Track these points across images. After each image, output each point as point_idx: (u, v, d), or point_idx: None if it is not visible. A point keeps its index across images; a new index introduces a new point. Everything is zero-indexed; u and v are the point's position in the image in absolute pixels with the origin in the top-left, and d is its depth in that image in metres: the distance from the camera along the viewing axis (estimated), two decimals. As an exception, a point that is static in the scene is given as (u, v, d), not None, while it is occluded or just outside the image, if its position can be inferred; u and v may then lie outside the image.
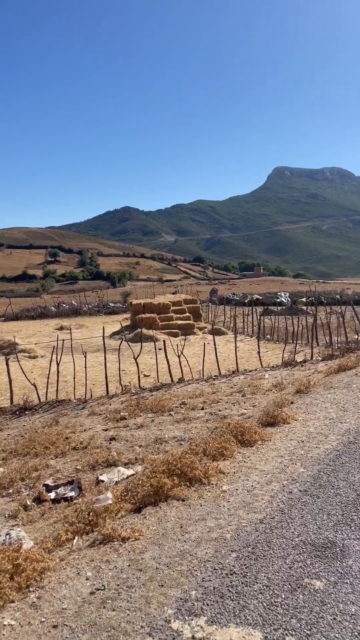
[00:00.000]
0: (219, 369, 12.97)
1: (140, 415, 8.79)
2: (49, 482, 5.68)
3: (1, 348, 21.25)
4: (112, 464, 6.09)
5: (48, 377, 11.68)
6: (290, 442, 5.50)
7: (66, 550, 3.52)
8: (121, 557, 3.31)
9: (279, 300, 41.27)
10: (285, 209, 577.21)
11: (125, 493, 4.46)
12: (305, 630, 2.50)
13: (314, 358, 13.74)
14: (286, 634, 2.48)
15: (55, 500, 5.09)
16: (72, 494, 5.18)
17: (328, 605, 2.69)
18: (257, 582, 2.91)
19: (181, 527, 3.68)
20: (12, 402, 10.58)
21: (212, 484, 4.44)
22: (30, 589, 2.99)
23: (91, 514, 4.03)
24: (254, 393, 9.85)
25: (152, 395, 10.61)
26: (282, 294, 44.31)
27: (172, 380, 12.20)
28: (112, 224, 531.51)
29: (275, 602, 2.73)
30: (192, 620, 2.61)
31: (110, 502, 4.16)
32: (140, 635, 2.51)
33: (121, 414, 8.88)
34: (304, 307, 31.19)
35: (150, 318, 25.70)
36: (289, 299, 41.15)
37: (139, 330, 22.75)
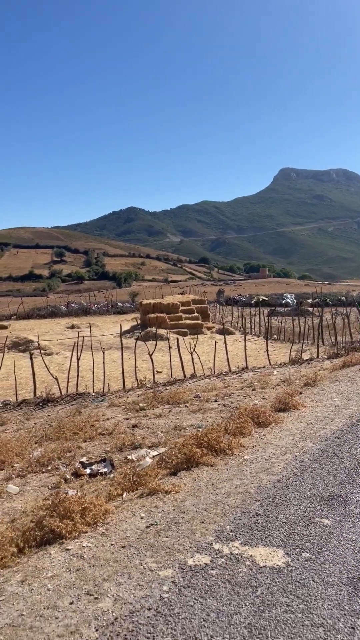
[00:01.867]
0: (229, 365, 13.65)
1: (158, 407, 9.50)
2: (84, 460, 6.46)
3: (17, 345, 22.11)
4: (138, 446, 6.85)
5: (69, 372, 12.43)
6: (300, 424, 6.29)
7: (118, 501, 4.32)
8: (166, 504, 4.11)
9: (284, 301, 42.00)
10: (291, 210, 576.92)
11: (160, 462, 5.25)
12: (316, 549, 3.29)
13: (320, 356, 14.43)
14: (302, 552, 3.27)
15: (91, 475, 5.86)
16: (105, 470, 5.95)
17: (334, 534, 3.47)
18: (277, 520, 3.70)
19: (212, 484, 4.47)
20: (35, 394, 11.35)
21: (235, 454, 5.24)
22: (98, 525, 3.80)
23: (134, 476, 4.83)
24: (264, 387, 10.55)
25: (166, 389, 11.31)
26: (288, 295, 45.08)
27: (184, 376, 12.89)
28: (117, 224, 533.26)
29: (292, 532, 3.52)
30: (229, 543, 3.41)
31: (151, 465, 4.96)
32: (190, 552, 3.31)
33: (140, 405, 9.60)
34: (310, 309, 31.88)
35: (160, 317, 26.39)
36: (294, 300, 41.90)
37: (149, 329, 23.56)
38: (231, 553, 3.27)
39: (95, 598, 2.86)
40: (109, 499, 4.40)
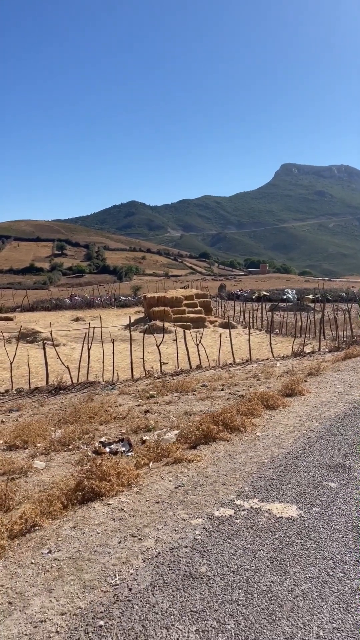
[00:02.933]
0: (233, 357, 14.14)
1: (167, 395, 9.99)
2: (103, 440, 6.98)
3: (25, 336, 22.60)
4: (152, 429, 7.35)
5: (80, 362, 12.90)
6: (306, 407, 6.82)
7: (146, 469, 4.85)
8: (190, 470, 4.65)
9: (285, 296, 42.49)
10: (292, 206, 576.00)
11: (180, 438, 5.78)
12: (325, 505, 3.82)
13: (321, 350, 14.94)
14: (312, 507, 3.80)
15: (111, 453, 6.38)
16: (124, 449, 6.46)
17: (340, 494, 4.01)
18: (290, 483, 4.24)
19: (229, 455, 5.01)
20: (47, 382, 11.85)
21: (248, 431, 5.77)
22: (132, 486, 4.33)
23: (158, 448, 5.36)
24: (268, 378, 11.05)
25: (173, 379, 11.80)
26: (289, 291, 45.59)
27: (190, 367, 13.39)
28: (118, 218, 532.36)
29: (304, 492, 4.05)
30: (248, 500, 3.94)
31: (173, 440, 5.49)
32: (216, 506, 3.84)
33: (150, 393, 10.09)
34: (311, 304, 32.38)
35: (164, 311, 26.85)
36: (295, 296, 42.41)
37: (153, 322, 24.06)
38: (251, 507, 3.81)
39: (139, 539, 3.39)
40: (138, 467, 4.93)
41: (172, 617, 2.56)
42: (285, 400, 7.14)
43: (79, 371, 12.25)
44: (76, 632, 2.48)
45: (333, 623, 2.50)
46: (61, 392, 11.27)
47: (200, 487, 4.24)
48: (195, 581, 2.87)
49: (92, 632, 2.47)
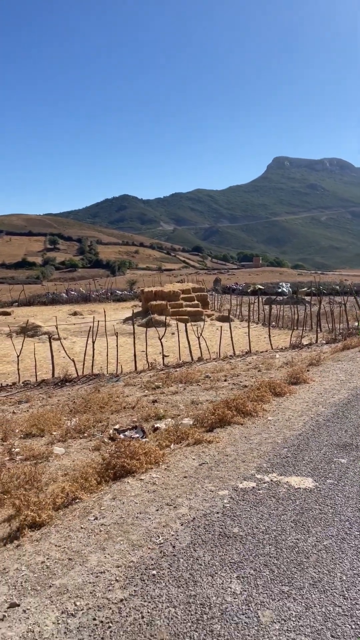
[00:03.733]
0: (233, 349, 14.53)
1: (172, 385, 10.35)
2: (117, 427, 7.35)
3: (26, 330, 22.89)
4: (162, 417, 7.73)
5: (85, 354, 13.20)
6: (311, 394, 7.25)
7: (169, 450, 5.24)
8: (210, 450, 5.05)
9: (280, 290, 43.02)
10: (284, 199, 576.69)
11: (196, 422, 6.18)
12: (337, 477, 4.24)
13: (318, 341, 15.39)
14: (326, 479, 4.22)
15: (125, 440, 6.75)
16: (138, 435, 6.84)
17: (350, 468, 4.44)
18: (303, 460, 4.66)
19: (245, 437, 5.42)
20: (53, 375, 12.18)
21: (260, 416, 6.19)
22: (160, 464, 4.73)
23: (177, 432, 5.76)
24: (268, 369, 11.46)
25: (176, 371, 12.15)
26: (284, 284, 46.14)
27: (192, 359, 13.77)
28: (110, 212, 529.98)
29: (317, 467, 4.48)
30: (267, 474, 4.36)
31: (190, 424, 5.89)
32: (239, 480, 4.25)
33: (155, 384, 10.45)
34: (306, 297, 32.89)
35: (161, 305, 27.19)
36: (290, 289, 42.94)
37: (150, 316, 24.42)
38: (271, 480, 4.22)
39: (174, 507, 3.80)
40: (161, 449, 5.32)
41: (214, 567, 2.97)
42: (291, 388, 7.57)
43: (83, 364, 12.56)
44: (133, 579, 2.87)
45: (353, 570, 2.92)
46: (67, 384, 11.58)
47: (222, 464, 4.65)
48: (229, 540, 3.27)
49: (147, 579, 2.86)
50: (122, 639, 2.39)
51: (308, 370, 9.24)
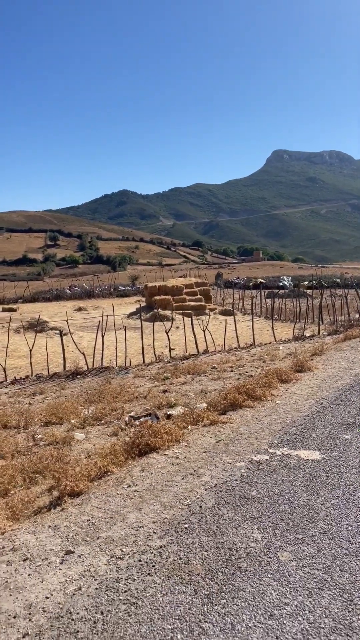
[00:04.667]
0: (238, 342, 14.97)
1: (180, 377, 10.79)
2: (132, 414, 7.81)
3: (33, 325, 23.36)
4: (173, 405, 8.18)
5: (94, 348, 13.61)
6: (315, 380, 7.73)
7: (187, 430, 5.72)
8: (225, 429, 5.54)
9: (281, 284, 43.44)
10: (284, 192, 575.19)
11: (209, 407, 6.67)
12: (342, 451, 4.73)
13: (321, 333, 15.84)
14: (332, 452, 4.71)
15: (145, 423, 7.20)
16: (152, 422, 7.31)
17: (354, 443, 4.92)
18: (311, 437, 5.14)
19: (256, 418, 5.90)
20: (64, 367, 12.62)
21: (269, 400, 6.67)
22: (180, 442, 5.21)
23: (193, 414, 6.24)
24: (273, 360, 11.90)
25: (183, 363, 12.59)
26: (285, 278, 46.57)
27: (198, 351, 14.21)
28: (109, 208, 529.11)
29: (323, 442, 4.96)
30: (278, 449, 4.84)
31: (205, 408, 6.37)
32: (253, 454, 4.74)
33: (164, 375, 10.90)
34: (307, 291, 33.31)
35: (165, 299, 27.63)
36: (291, 283, 43.37)
37: (155, 310, 24.87)
38: (282, 454, 4.71)
39: (197, 476, 4.28)
40: (180, 429, 5.80)
41: (237, 521, 3.45)
42: (297, 375, 8.05)
43: (93, 357, 13.00)
44: (168, 532, 3.36)
45: (357, 522, 3.41)
46: (78, 377, 12.00)
47: (237, 441, 5.13)
48: (249, 500, 3.76)
49: (181, 531, 3.35)
50: (165, 574, 2.88)
51: (312, 359, 9.71)
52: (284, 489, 3.93)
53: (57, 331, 21.75)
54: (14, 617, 2.58)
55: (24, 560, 3.13)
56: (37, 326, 23.13)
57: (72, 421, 7.69)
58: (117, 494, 4.04)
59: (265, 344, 14.73)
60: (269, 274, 67.34)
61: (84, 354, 12.64)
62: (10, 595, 2.77)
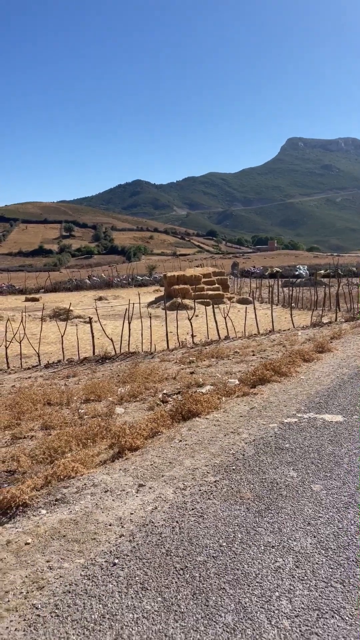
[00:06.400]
0: (258, 328, 15.58)
1: (205, 360, 11.48)
2: (165, 391, 8.56)
3: (58, 314, 24.31)
4: (202, 384, 8.91)
5: (122, 335, 14.30)
6: (335, 360, 8.42)
7: (222, 400, 6.48)
8: (257, 399, 6.29)
9: (297, 272, 43.79)
10: (299, 181, 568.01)
11: (240, 382, 7.41)
12: (361, 415, 5.45)
13: (338, 320, 16.40)
14: (353, 415, 5.42)
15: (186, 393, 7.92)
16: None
17: (371, 409, 5.63)
18: (333, 404, 5.86)
19: (284, 390, 6.63)
20: (94, 352, 13.40)
21: (294, 376, 7.39)
22: (218, 409, 5.97)
23: (226, 388, 7.00)
24: (292, 344, 12.51)
25: (205, 348, 13.28)
26: (301, 267, 46.92)
27: (219, 337, 14.88)
28: (123, 198, 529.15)
29: (345, 408, 5.68)
30: (305, 413, 5.57)
31: (237, 383, 7.12)
32: (283, 417, 5.47)
33: (189, 359, 11.61)
34: (323, 279, 33.68)
35: (184, 289, 28.28)
36: (307, 272, 43.72)
37: (174, 299, 25.58)
38: (309, 417, 5.44)
39: (237, 434, 5.04)
40: (216, 399, 6.56)
41: (275, 464, 4.21)
42: (318, 355, 8.75)
43: (121, 343, 13.75)
44: (219, 472, 4.13)
45: (375, 466, 4.14)
46: (107, 361, 12.75)
47: (268, 408, 5.88)
48: (283, 450, 4.51)
49: (230, 471, 4.12)
50: (222, 498, 3.65)
51: (331, 342, 10.38)
52: (312, 443, 4.67)
53: (81, 319, 22.67)
54: (110, 525, 3.37)
55: (105, 492, 3.93)
56: (62, 315, 24.09)
57: (110, 398, 8.44)
58: (171, 447, 4.82)
59: (284, 331, 15.33)
60: (284, 263, 67.46)
61: (112, 339, 13.39)
62: (102, 512, 3.57)
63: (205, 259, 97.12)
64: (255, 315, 15.97)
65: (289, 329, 15.55)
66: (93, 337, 13.75)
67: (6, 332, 14.43)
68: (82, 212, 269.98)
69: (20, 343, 12.02)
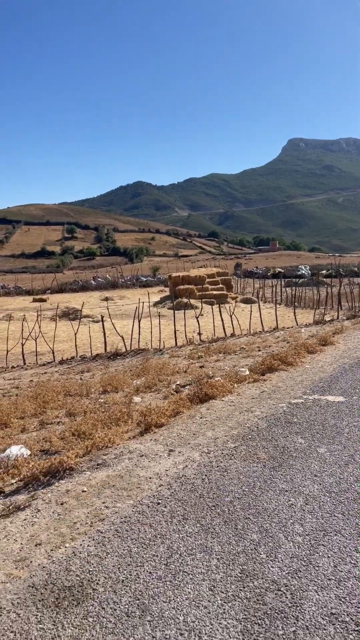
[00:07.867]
0: (262, 326, 16.25)
1: (213, 356, 12.13)
2: (178, 382, 9.22)
3: (67, 314, 25.04)
4: (212, 377, 9.56)
5: (132, 333, 14.94)
6: (337, 352, 9.10)
7: (235, 386, 7.16)
8: (266, 385, 6.97)
9: (299, 273, 44.46)
10: (300, 181, 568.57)
11: (249, 372, 8.09)
12: (360, 396, 6.13)
13: (340, 318, 17.07)
14: (352, 396, 6.11)
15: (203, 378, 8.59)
16: None
17: (369, 391, 6.32)
18: (335, 388, 6.54)
19: (290, 377, 7.32)
20: (105, 349, 14.06)
21: (299, 365, 8.08)
22: (232, 393, 6.66)
23: (236, 376, 7.68)
24: (296, 341, 13.09)
25: (212, 345, 13.93)
26: (303, 267, 47.62)
27: (225, 335, 15.54)
28: (125, 199, 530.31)
29: (346, 391, 6.37)
30: (310, 395, 6.26)
31: (246, 372, 7.81)
32: (291, 399, 6.16)
33: (198, 354, 12.26)
34: (325, 279, 34.34)
35: (189, 289, 28.97)
36: (309, 272, 44.38)
37: (179, 299, 26.29)
38: (314, 398, 6.13)
39: (251, 412, 5.73)
40: (230, 385, 7.24)
41: (285, 434, 4.90)
42: (321, 348, 9.43)
43: (131, 340, 14.38)
44: (237, 440, 4.82)
45: (372, 435, 4.82)
46: (118, 357, 13.40)
47: (277, 391, 6.57)
48: (292, 424, 5.20)
49: (247, 439, 4.81)
50: (241, 458, 4.34)
51: (334, 336, 11.06)
52: (317, 418, 5.36)
53: (90, 319, 23.37)
54: (150, 478, 4.06)
55: (141, 456, 4.62)
56: (70, 314, 24.81)
57: (126, 389, 9.08)
58: (193, 422, 5.51)
59: (287, 328, 15.99)
60: (286, 263, 68.11)
61: (122, 337, 14.05)
62: (142, 470, 4.26)
63: (207, 260, 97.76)
64: (260, 314, 16.65)
65: (292, 327, 16.21)
66: (105, 334, 14.42)
67: (22, 331, 15.14)
68: (84, 214, 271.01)
69: (35, 341, 12.69)
